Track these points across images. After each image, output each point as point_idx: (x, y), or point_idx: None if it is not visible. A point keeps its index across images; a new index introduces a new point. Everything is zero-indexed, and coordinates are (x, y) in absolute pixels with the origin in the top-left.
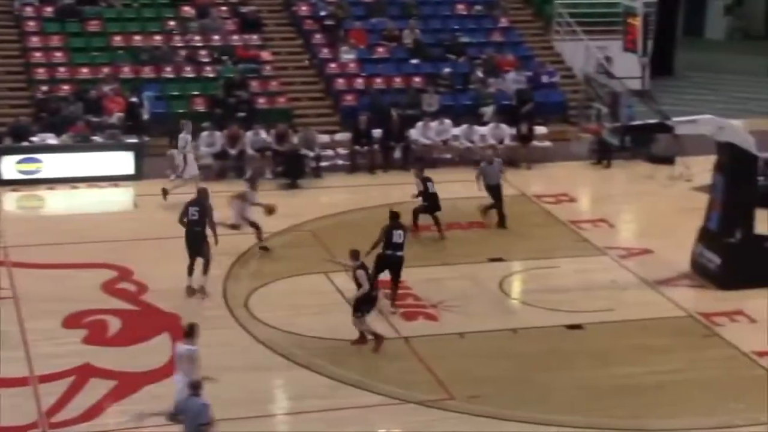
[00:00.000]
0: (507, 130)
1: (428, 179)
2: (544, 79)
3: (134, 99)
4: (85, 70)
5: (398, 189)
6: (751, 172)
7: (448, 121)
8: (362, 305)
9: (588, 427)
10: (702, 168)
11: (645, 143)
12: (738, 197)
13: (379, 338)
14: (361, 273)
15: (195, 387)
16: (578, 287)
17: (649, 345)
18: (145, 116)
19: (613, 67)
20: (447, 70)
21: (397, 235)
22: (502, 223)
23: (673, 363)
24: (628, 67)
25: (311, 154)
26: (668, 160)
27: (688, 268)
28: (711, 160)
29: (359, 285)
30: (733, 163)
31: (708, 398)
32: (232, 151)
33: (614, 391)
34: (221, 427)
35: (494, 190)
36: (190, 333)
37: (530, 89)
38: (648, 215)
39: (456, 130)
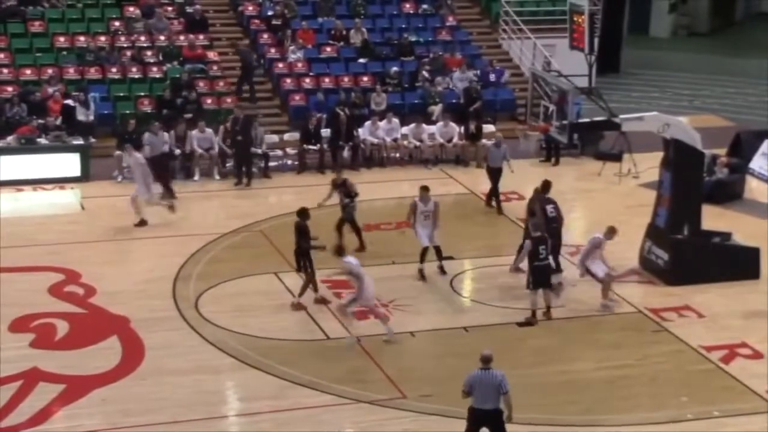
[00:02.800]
0: (456, 129)
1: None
2: (492, 77)
3: (68, 101)
4: (28, 71)
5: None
6: (697, 168)
7: (396, 120)
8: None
9: (540, 423)
10: (649, 165)
11: (592, 140)
12: (685, 193)
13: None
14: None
15: (486, 360)
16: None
17: (599, 341)
18: (91, 117)
19: (559, 65)
20: (395, 69)
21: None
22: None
23: (623, 358)
24: (575, 65)
25: (259, 151)
26: (615, 157)
27: (637, 264)
28: (658, 156)
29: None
30: (680, 159)
31: (658, 393)
32: (178, 152)
33: (565, 386)
34: (173, 429)
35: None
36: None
37: (478, 87)
38: (596, 212)
39: (404, 129)
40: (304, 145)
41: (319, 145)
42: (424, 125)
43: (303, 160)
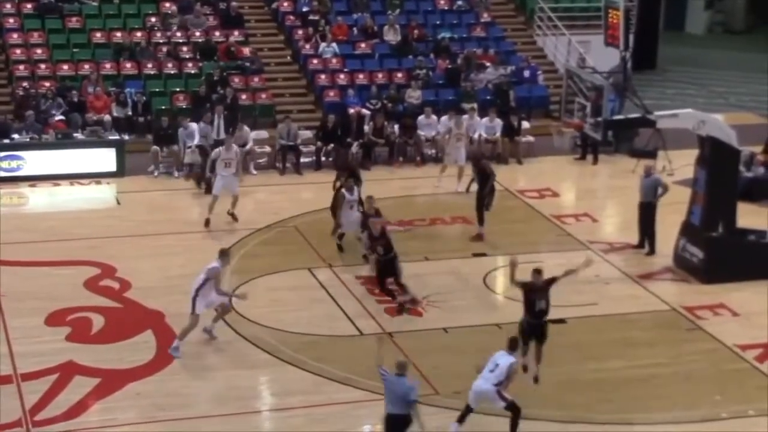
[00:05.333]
0: (500, 124)
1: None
2: (526, 73)
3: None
4: (65, 66)
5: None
6: (733, 165)
7: (466, 116)
8: None
9: (572, 421)
10: (684, 162)
11: (627, 137)
12: (720, 191)
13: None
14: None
15: (402, 368)
16: (562, 282)
17: (633, 339)
18: (129, 113)
19: (594, 62)
20: (429, 65)
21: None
22: None
23: (656, 356)
24: (610, 62)
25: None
26: (650, 154)
27: (671, 262)
28: (693, 154)
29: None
30: (715, 157)
31: (692, 391)
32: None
33: (598, 385)
34: (205, 425)
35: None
36: (513, 346)
37: (510, 83)
38: (630, 209)
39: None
40: (320, 143)
41: (333, 145)
42: (474, 119)
43: (319, 157)
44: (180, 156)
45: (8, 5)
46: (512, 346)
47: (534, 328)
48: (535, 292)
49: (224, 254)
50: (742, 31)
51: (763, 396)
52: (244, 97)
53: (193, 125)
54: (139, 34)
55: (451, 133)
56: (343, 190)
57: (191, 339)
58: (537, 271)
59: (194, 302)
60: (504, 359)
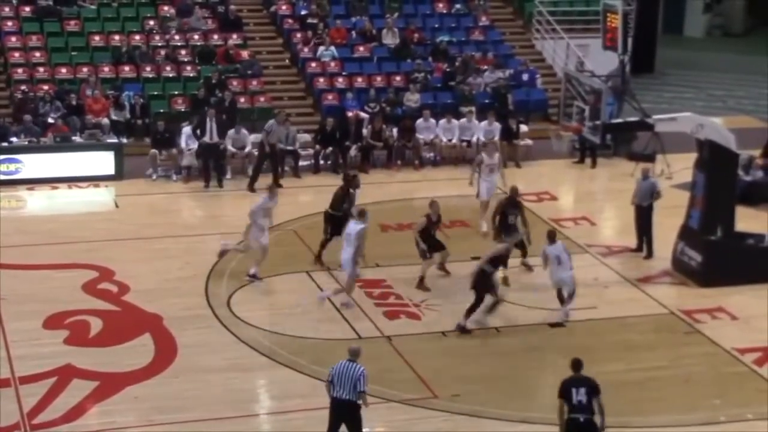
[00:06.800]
0: (498, 127)
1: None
2: (525, 77)
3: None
4: (64, 70)
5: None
6: (731, 169)
7: (455, 121)
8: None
9: None
10: (682, 166)
11: (625, 141)
12: (718, 195)
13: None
14: None
15: (353, 353)
16: None
17: (631, 342)
18: (127, 116)
19: (592, 65)
20: (427, 68)
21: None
22: None
23: (655, 360)
24: (609, 65)
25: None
26: (648, 158)
27: (670, 265)
28: (691, 157)
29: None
30: (714, 160)
31: (690, 395)
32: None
33: None
34: (205, 427)
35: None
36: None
37: (509, 87)
38: (629, 213)
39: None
40: (318, 146)
41: (331, 148)
42: (455, 121)
43: (318, 160)
44: (178, 159)
45: (7, 8)
46: (552, 238)
47: None
48: None
49: (363, 213)
50: (741, 34)
51: (762, 399)
52: (242, 100)
53: (188, 129)
54: (137, 37)
55: (481, 165)
56: (351, 189)
57: (190, 342)
58: None
59: (353, 265)
60: (557, 249)
